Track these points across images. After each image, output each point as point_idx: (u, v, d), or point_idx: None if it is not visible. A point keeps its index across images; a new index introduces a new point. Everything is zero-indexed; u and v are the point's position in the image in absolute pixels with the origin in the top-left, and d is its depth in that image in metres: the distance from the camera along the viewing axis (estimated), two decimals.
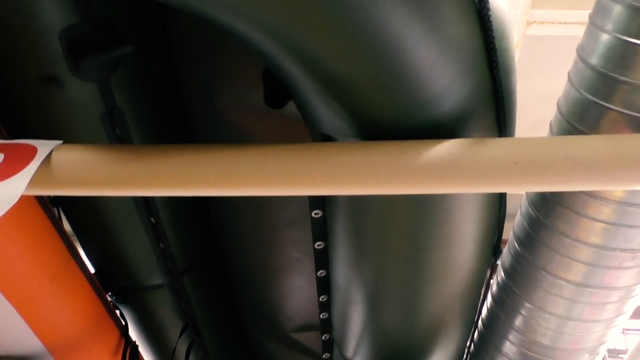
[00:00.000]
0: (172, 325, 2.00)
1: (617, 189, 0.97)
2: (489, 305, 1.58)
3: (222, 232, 2.03)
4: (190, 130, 1.67)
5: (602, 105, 1.01)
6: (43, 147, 0.94)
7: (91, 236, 1.69)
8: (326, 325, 1.63)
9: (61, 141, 0.96)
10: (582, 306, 1.33)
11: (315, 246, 1.38)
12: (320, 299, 1.55)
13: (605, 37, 0.96)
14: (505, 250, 1.44)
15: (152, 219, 1.63)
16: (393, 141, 0.91)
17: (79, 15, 1.16)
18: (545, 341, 1.44)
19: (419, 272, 1.28)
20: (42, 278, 1.43)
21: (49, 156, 0.92)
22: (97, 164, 0.92)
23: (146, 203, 1.58)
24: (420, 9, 0.75)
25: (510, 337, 1.51)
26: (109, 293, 1.84)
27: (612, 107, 1.00)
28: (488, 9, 0.83)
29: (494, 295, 1.53)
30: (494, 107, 0.98)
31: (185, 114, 1.62)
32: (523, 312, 1.43)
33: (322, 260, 1.41)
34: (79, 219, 1.66)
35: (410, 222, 1.17)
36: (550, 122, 1.18)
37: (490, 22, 0.85)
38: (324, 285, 1.49)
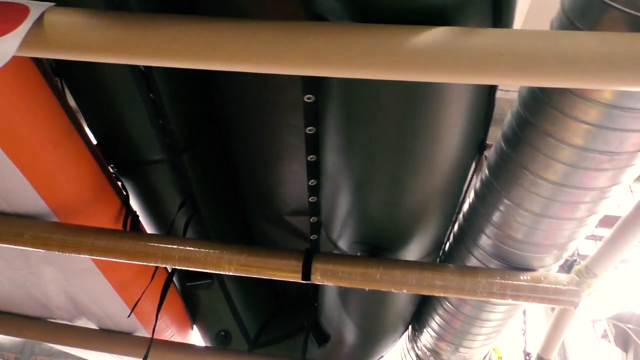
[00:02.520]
0: (172, 200, 2.09)
1: (601, 87, 0.98)
2: (471, 200, 1.64)
3: (223, 112, 2.05)
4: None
5: (604, 2, 0.98)
6: (35, 7, 0.94)
7: (92, 108, 1.73)
8: (314, 209, 1.72)
9: (54, 3, 0.96)
10: (558, 205, 1.38)
11: (307, 131, 1.42)
12: (310, 183, 1.62)
13: None
14: (492, 149, 1.48)
15: (151, 95, 1.65)
16: (383, 25, 0.91)
17: None
18: (519, 236, 1.52)
19: (405, 160, 1.33)
20: (44, 142, 1.49)
21: (41, 17, 0.93)
22: (88, 29, 0.93)
23: (145, 78, 1.59)
24: None
25: (487, 231, 1.59)
26: (111, 165, 1.92)
27: (614, 4, 0.97)
28: None
29: (477, 191, 1.59)
30: None
31: None
32: (501, 208, 1.49)
33: (313, 145, 1.46)
34: (81, 91, 1.69)
35: (399, 110, 1.19)
36: (552, 19, 1.15)
37: None
38: (314, 170, 1.55)
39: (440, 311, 2.11)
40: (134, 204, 2.10)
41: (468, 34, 0.89)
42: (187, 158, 1.98)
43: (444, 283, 1.51)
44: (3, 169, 1.47)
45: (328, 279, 1.55)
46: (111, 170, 1.91)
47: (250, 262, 1.55)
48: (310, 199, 1.69)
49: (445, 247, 1.90)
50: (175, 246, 1.57)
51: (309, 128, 1.41)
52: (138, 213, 2.12)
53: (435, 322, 2.20)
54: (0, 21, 0.91)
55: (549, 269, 1.64)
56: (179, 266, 1.59)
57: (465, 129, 1.27)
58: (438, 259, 1.96)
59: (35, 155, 1.50)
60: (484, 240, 1.63)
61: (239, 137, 2.11)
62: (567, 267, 1.67)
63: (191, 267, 1.57)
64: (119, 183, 1.96)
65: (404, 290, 1.54)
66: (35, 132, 1.46)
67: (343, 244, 1.72)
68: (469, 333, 2.14)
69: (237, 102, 1.98)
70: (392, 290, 1.55)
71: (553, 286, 1.51)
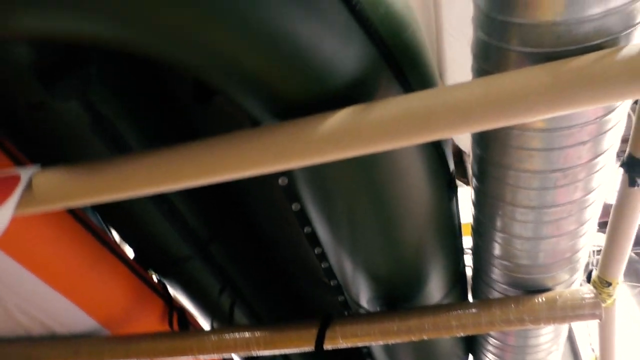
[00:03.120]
0: (212, 289, 2.25)
1: (492, 127, 1.02)
2: (472, 236, 1.68)
3: (239, 197, 2.22)
4: (184, 117, 1.83)
5: (499, 47, 1.05)
6: (25, 173, 1.15)
7: (118, 224, 1.96)
8: (329, 273, 1.81)
9: (39, 165, 1.17)
10: (545, 225, 1.39)
11: (293, 208, 1.54)
12: (316, 252, 1.72)
13: None
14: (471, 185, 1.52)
15: (166, 204, 1.85)
16: (295, 120, 1.03)
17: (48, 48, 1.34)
18: (524, 261, 1.52)
19: (385, 218, 1.41)
20: (80, 267, 1.71)
21: (30, 182, 1.13)
22: (67, 182, 1.13)
23: None
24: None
25: (495, 263, 1.61)
26: (150, 269, 2.12)
27: (507, 46, 1.04)
28: None
29: (473, 227, 1.62)
30: (386, 66, 1.06)
31: (173, 104, 1.79)
32: (497, 239, 1.51)
33: (303, 219, 1.57)
34: (107, 212, 1.93)
35: (359, 179, 1.29)
36: (471, 65, 1.22)
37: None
38: (314, 240, 1.66)
39: (489, 347, 2.09)
40: (180, 299, 2.28)
41: (367, 109, 0.99)
42: (215, 248, 2.14)
43: (460, 322, 1.53)
44: (49, 297, 1.69)
45: (349, 340, 1.61)
46: (150, 275, 2.11)
47: (275, 339, 1.66)
48: (322, 265, 1.79)
49: (471, 284, 1.91)
50: (207, 338, 1.71)
51: (294, 205, 1.54)
52: (186, 307, 2.29)
53: (489, 359, 2.17)
54: None
55: (570, 283, 1.61)
56: (215, 354, 1.72)
57: (426, 175, 1.34)
58: (470, 297, 1.97)
59: (74, 280, 1.72)
60: (496, 273, 1.64)
61: (259, 216, 2.26)
62: (587, 276, 1.63)
63: (225, 354, 1.70)
64: (160, 284, 2.16)
65: (424, 337, 1.57)
66: (69, 260, 1.69)
67: (364, 302, 1.78)
68: None
69: (248, 186, 2.15)
70: (412, 339, 1.58)
71: (570, 303, 1.49)
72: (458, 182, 1.62)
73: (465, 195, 1.64)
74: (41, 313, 1.78)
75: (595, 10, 0.90)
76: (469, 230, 1.72)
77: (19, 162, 1.48)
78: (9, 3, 0.80)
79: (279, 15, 0.88)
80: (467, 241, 1.78)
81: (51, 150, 1.55)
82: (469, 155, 4.13)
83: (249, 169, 1.04)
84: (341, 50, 0.98)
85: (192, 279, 2.20)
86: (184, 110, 1.80)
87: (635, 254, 5.74)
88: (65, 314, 1.78)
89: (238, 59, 0.95)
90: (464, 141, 3.65)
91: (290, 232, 2.24)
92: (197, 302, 2.31)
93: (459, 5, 3.01)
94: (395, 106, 0.98)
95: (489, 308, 1.54)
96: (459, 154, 4.66)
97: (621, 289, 1.63)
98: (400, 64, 1.08)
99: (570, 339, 4.90)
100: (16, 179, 1.15)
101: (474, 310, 1.55)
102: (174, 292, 2.27)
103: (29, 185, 1.13)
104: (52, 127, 1.50)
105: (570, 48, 0.94)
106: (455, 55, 3.39)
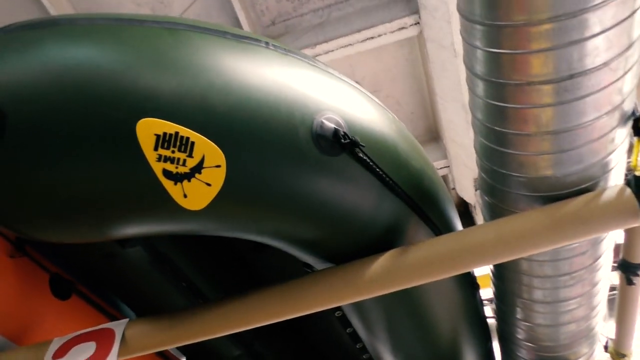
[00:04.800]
0: None
1: (504, 260, 1.24)
2: (496, 322, 1.87)
3: None
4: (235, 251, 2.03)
5: (502, 189, 1.28)
6: (118, 327, 1.36)
7: None
8: None
9: (127, 319, 1.38)
10: (562, 315, 1.59)
11: (335, 315, 1.74)
12: (358, 347, 1.91)
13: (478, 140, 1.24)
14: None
15: None
16: (345, 265, 1.25)
17: None
18: (548, 343, 1.71)
19: (420, 322, 1.60)
20: None
21: (123, 334, 1.34)
22: (155, 333, 1.34)
23: None
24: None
25: (521, 344, 1.79)
26: None
27: (509, 190, 1.27)
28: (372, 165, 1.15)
29: (497, 315, 1.81)
30: (412, 212, 1.28)
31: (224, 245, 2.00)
32: (522, 327, 1.70)
33: (344, 322, 1.77)
34: None
35: (396, 296, 1.48)
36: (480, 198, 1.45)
37: (374, 167, 1.15)
38: (355, 337, 1.85)
39: None
40: None
41: (404, 253, 1.21)
42: (259, 345, 2.33)
43: None
44: None
45: None
46: None
47: None
48: (364, 357, 1.98)
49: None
50: None
51: (336, 312, 1.74)
52: None
53: None
54: (100, 349, 1.33)
55: (590, 354, 1.79)
56: None
57: (453, 283, 1.55)
58: None
59: None
60: (523, 353, 1.83)
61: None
62: (604, 345, 1.82)
63: None
64: None
65: None
66: None
67: None
68: None
69: None
70: None
71: None
72: None
73: None
74: None
75: (577, 166, 1.13)
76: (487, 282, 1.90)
77: (96, 307, 1.69)
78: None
79: (334, 198, 1.12)
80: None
81: (120, 286, 1.78)
82: (474, 207, 4.32)
83: (309, 309, 1.26)
84: (376, 211, 1.21)
85: None
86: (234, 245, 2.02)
87: None
88: None
89: (300, 233, 1.19)
90: (468, 193, 3.86)
91: (332, 327, 2.44)
92: None
93: (446, 77, 3.29)
94: (425, 250, 1.20)
95: None
96: (464, 204, 4.85)
97: None
98: (423, 208, 1.31)
99: None
100: (109, 331, 1.36)
101: None
102: None
103: (124, 339, 1.34)
104: (121, 268, 1.73)
105: (561, 192, 1.17)
106: (450, 117, 3.65)
